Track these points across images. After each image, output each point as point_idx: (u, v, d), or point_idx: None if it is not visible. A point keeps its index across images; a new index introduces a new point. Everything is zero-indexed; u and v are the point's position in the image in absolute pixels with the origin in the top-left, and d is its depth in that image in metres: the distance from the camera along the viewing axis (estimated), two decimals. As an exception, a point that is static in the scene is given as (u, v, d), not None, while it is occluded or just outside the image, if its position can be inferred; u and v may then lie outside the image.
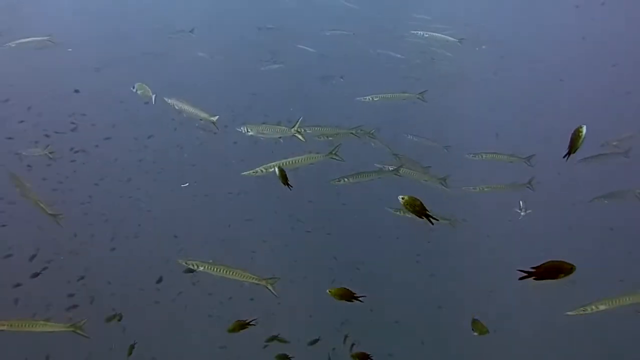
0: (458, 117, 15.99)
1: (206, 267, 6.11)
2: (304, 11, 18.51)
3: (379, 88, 9.51)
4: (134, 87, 8.13)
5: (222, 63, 16.04)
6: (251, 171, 6.27)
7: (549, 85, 17.53)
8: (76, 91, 12.35)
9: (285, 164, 6.27)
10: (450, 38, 12.45)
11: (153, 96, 8.18)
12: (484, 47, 16.62)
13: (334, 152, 6.78)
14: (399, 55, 16.81)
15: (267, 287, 6.10)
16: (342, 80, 15.34)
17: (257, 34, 16.90)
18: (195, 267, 6.11)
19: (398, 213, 8.30)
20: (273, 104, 14.15)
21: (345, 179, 8.15)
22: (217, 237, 12.30)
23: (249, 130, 6.86)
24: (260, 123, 7.04)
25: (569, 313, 5.58)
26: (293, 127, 6.90)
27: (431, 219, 4.45)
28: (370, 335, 10.35)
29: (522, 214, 9.39)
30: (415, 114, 12.46)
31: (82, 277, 10.72)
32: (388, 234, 12.86)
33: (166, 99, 7.42)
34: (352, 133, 8.01)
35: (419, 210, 4.41)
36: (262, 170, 6.22)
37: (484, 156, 9.10)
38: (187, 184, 11.97)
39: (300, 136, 6.95)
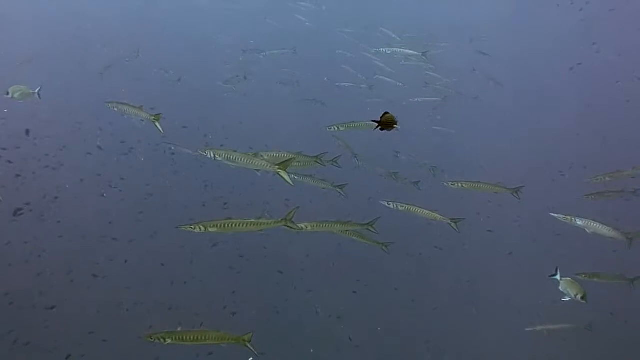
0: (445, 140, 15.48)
1: (174, 338, 5.52)
2: (294, 35, 18.23)
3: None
4: (7, 93, 7.41)
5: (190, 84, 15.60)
6: (188, 227, 5.40)
7: (537, 109, 17.04)
8: (27, 132, 11.73)
9: (230, 225, 5.40)
10: (412, 52, 11.87)
11: (37, 90, 7.57)
12: (475, 71, 16.24)
13: (289, 219, 5.66)
14: (399, 84, 16.30)
15: (246, 346, 5.65)
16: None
17: (241, 56, 16.58)
18: (163, 340, 5.52)
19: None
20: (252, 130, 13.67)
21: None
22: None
23: (217, 155, 5.83)
24: (231, 149, 5.95)
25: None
26: (279, 164, 5.72)
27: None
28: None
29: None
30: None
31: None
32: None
33: (107, 103, 6.72)
34: (316, 161, 7.34)
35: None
36: (200, 228, 5.39)
37: (464, 185, 7.60)
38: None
39: (285, 177, 5.81)
